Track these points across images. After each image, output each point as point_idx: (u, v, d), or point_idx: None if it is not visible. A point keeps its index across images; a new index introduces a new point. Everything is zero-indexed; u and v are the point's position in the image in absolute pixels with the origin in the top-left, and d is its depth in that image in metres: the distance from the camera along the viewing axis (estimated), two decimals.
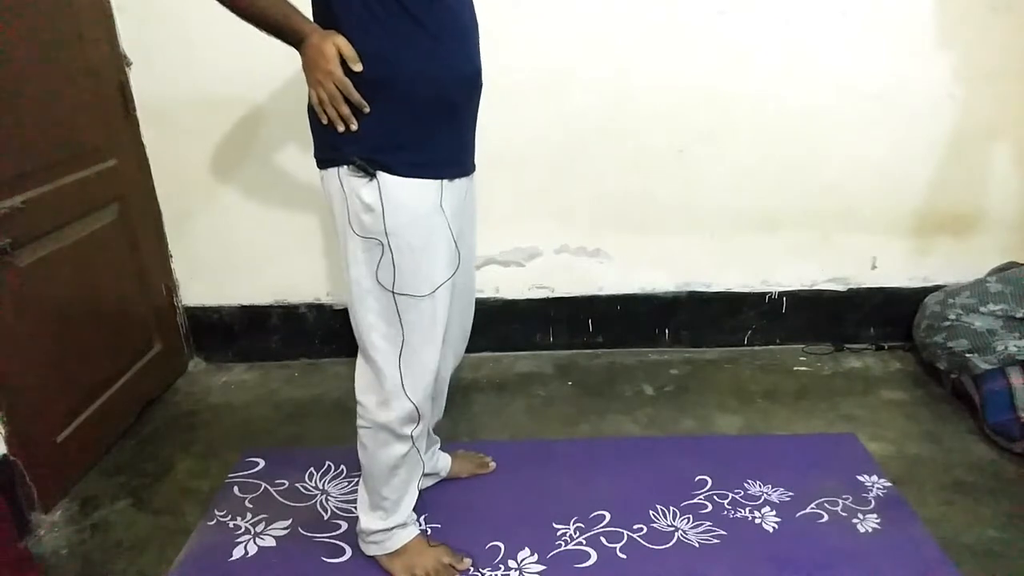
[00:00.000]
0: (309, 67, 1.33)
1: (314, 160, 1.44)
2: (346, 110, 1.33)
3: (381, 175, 1.35)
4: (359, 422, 1.55)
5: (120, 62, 2.26)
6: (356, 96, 1.32)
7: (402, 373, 1.47)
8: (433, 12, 1.32)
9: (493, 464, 2.01)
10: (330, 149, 1.38)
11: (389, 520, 1.63)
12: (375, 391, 1.50)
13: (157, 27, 2.24)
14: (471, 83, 1.43)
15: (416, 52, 1.32)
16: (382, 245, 1.38)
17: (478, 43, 1.44)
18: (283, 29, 1.34)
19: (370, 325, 1.45)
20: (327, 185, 1.42)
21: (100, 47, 2.16)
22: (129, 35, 2.26)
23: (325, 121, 1.35)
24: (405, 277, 1.40)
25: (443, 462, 1.92)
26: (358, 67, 1.31)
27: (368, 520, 1.64)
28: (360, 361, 1.52)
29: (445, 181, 1.42)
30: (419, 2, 1.30)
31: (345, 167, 1.36)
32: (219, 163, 2.40)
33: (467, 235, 1.58)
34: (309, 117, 1.42)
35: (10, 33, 1.81)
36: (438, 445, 1.89)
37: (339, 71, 1.30)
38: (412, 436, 1.54)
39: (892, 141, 2.37)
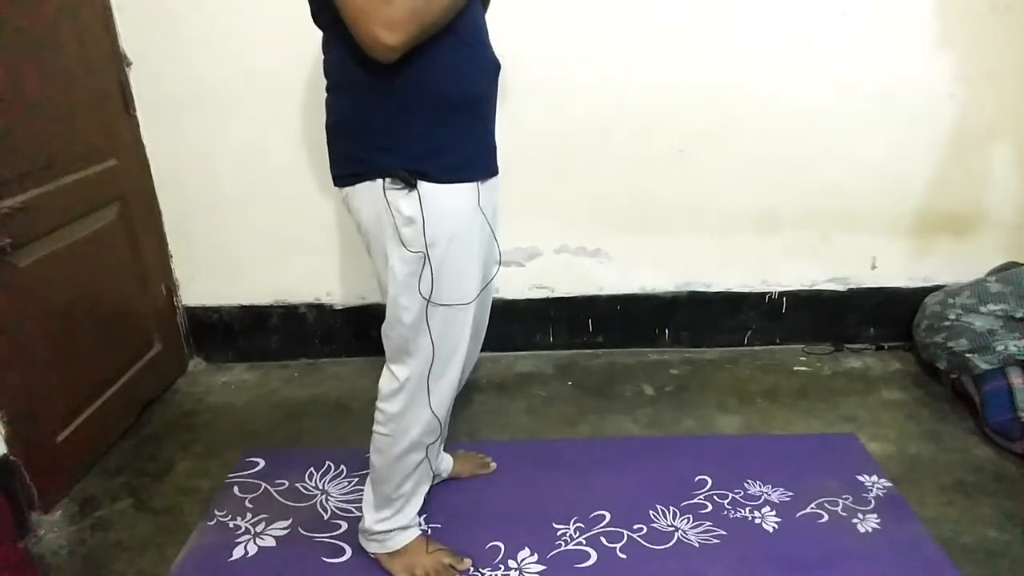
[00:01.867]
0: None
1: (332, 177, 1.42)
2: None
3: (421, 184, 1.32)
4: (378, 428, 1.55)
5: (120, 62, 2.26)
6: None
7: (430, 387, 1.48)
8: (460, 16, 1.29)
9: (494, 464, 2.01)
10: (359, 164, 1.35)
11: (393, 522, 1.63)
12: (400, 401, 1.49)
13: (157, 27, 2.24)
14: (494, 79, 1.42)
15: (446, 55, 1.29)
16: (424, 257, 1.36)
17: (489, 36, 1.44)
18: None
19: (406, 338, 1.44)
20: (357, 201, 1.39)
21: (100, 47, 2.16)
22: (129, 35, 2.25)
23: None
24: (446, 288, 1.40)
25: (444, 462, 1.92)
26: None
27: (372, 520, 1.64)
28: (388, 369, 1.51)
29: (479, 183, 1.41)
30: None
31: (384, 180, 1.33)
32: (219, 163, 2.40)
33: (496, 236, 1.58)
34: (328, 133, 1.39)
35: (10, 33, 1.81)
36: (441, 446, 1.88)
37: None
38: (430, 446, 1.55)
39: (892, 141, 2.37)
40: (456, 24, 1.28)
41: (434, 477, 1.88)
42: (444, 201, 1.35)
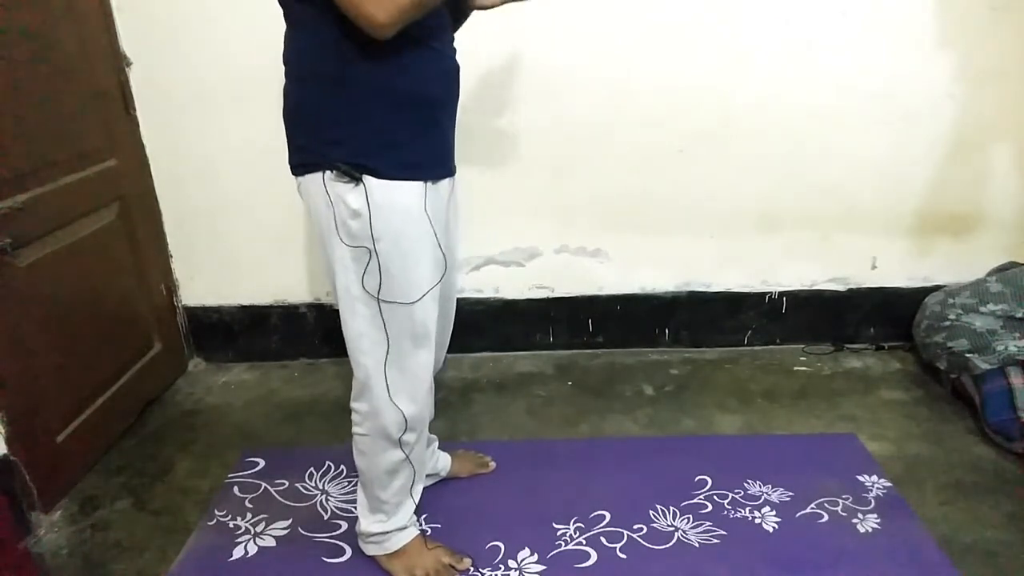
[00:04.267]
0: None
1: (289, 167, 1.42)
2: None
3: (367, 179, 1.32)
4: (354, 429, 1.55)
5: (120, 62, 2.26)
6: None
7: (388, 381, 1.46)
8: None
9: (493, 464, 2.01)
10: (309, 154, 1.36)
11: (388, 524, 1.63)
12: (366, 399, 1.49)
13: (157, 27, 2.24)
14: (453, 83, 1.42)
15: (403, 54, 1.29)
16: (369, 251, 1.36)
17: (454, 39, 1.44)
18: None
19: (359, 333, 1.44)
20: (307, 191, 1.40)
21: (100, 47, 2.16)
22: (129, 35, 2.25)
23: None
24: (392, 284, 1.39)
25: (443, 462, 1.92)
26: None
27: (367, 523, 1.64)
28: (353, 367, 1.50)
29: (429, 184, 1.40)
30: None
31: (329, 172, 1.33)
32: (219, 163, 2.40)
33: (452, 238, 1.57)
34: (285, 122, 1.41)
35: (10, 33, 1.81)
36: (436, 444, 1.88)
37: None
38: (406, 443, 1.53)
39: (892, 141, 2.37)
40: (415, 26, 1.27)
41: (432, 476, 1.89)
42: (390, 196, 1.34)
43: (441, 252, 1.45)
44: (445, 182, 1.48)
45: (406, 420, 1.50)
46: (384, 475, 1.57)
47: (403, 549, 1.66)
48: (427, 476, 1.83)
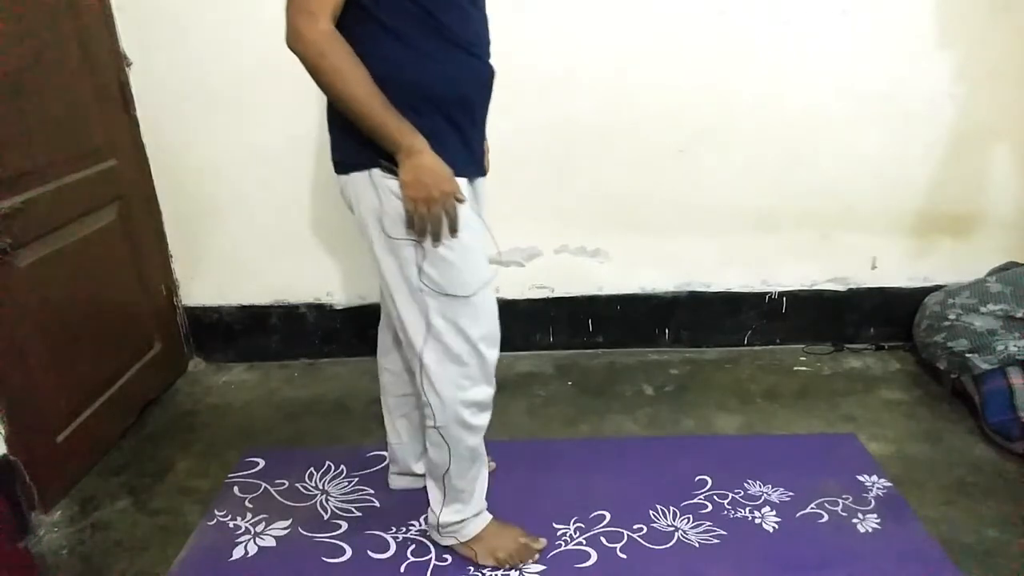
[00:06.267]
0: (420, 184, 1.32)
1: (333, 164, 1.44)
2: (444, 231, 1.37)
3: None
4: (429, 423, 1.56)
5: (120, 62, 2.26)
6: (454, 221, 1.37)
7: (456, 370, 1.49)
8: (461, 23, 1.35)
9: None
10: (355, 153, 1.38)
11: (466, 511, 1.66)
12: (435, 392, 1.51)
13: (157, 27, 2.24)
14: (489, 85, 1.46)
15: (446, 58, 1.34)
16: (419, 245, 1.39)
17: (490, 45, 1.47)
18: (384, 135, 1.31)
19: (425, 327, 1.46)
20: (353, 189, 1.42)
21: (100, 47, 2.16)
22: (129, 35, 2.26)
23: (418, 236, 1.37)
24: (452, 275, 1.41)
25: None
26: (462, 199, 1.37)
27: (445, 514, 1.66)
28: (415, 363, 1.51)
29: (465, 181, 1.43)
30: (452, 17, 1.32)
31: (376, 170, 1.36)
32: (219, 163, 2.40)
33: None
34: (329, 120, 1.42)
35: (10, 33, 1.81)
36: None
37: (453, 199, 1.35)
38: (480, 427, 1.58)
39: (892, 141, 2.37)
40: (458, 31, 1.33)
41: None
42: None
43: (490, 243, 1.49)
44: (479, 181, 1.52)
45: (477, 404, 1.54)
46: (463, 462, 1.59)
47: (482, 534, 1.68)
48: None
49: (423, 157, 1.32)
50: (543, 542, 1.72)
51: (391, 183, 1.36)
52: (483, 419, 1.58)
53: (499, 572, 1.66)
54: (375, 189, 1.38)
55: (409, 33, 1.31)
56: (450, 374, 1.49)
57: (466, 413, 1.53)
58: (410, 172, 1.32)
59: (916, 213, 2.47)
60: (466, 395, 1.52)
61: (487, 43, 1.45)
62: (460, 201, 1.38)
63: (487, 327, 1.50)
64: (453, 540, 1.70)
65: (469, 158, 1.44)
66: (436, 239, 1.37)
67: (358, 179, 1.40)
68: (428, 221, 1.35)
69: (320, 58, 1.24)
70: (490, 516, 1.71)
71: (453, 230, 1.38)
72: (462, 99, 1.39)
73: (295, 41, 1.26)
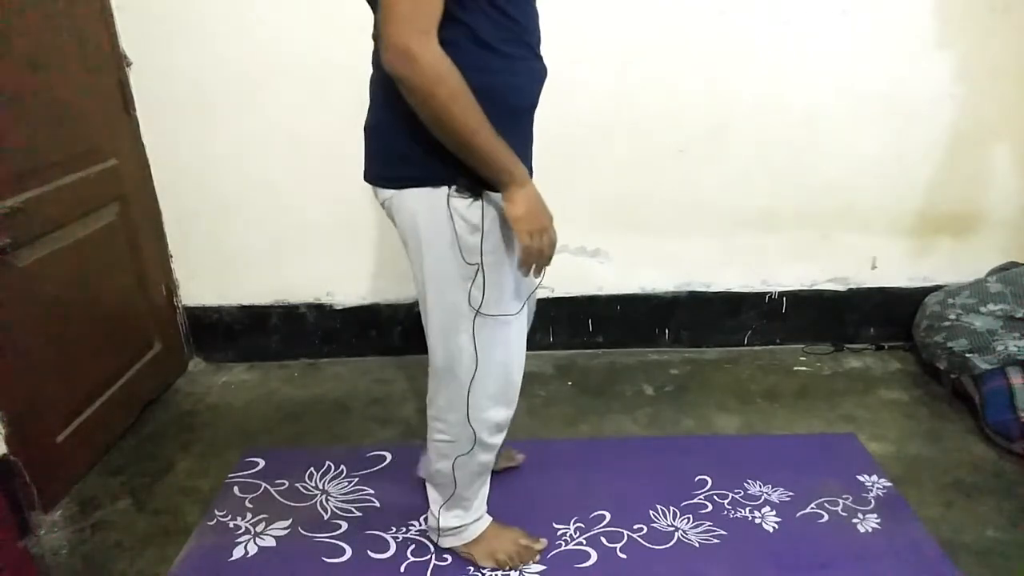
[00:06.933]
0: (533, 216, 1.29)
1: (375, 176, 1.38)
2: (546, 261, 1.36)
3: (487, 193, 1.31)
4: (438, 436, 1.56)
5: (120, 62, 2.26)
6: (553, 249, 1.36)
7: (487, 391, 1.48)
8: (528, 22, 1.29)
9: (521, 456, 2.01)
10: (419, 168, 1.29)
11: (468, 516, 1.66)
12: (459, 409, 1.49)
13: (157, 27, 2.24)
14: (541, 89, 1.42)
15: (524, 67, 1.30)
16: (479, 267, 1.35)
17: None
18: (496, 166, 1.24)
19: (461, 348, 1.43)
20: (408, 205, 1.33)
21: (100, 47, 2.16)
22: (129, 35, 2.25)
23: (526, 268, 1.35)
24: (499, 297, 1.40)
25: None
26: None
27: (445, 518, 1.66)
28: (440, 379, 1.50)
29: None
30: (521, 14, 1.26)
31: (448, 187, 1.29)
32: (219, 163, 2.40)
33: None
34: (382, 130, 1.33)
35: (10, 33, 1.81)
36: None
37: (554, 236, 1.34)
38: (495, 445, 1.58)
39: (892, 141, 2.37)
40: (529, 32, 1.29)
41: None
42: (501, 210, 1.33)
43: None
44: None
45: (498, 425, 1.54)
46: (472, 476, 1.59)
47: (481, 536, 1.68)
48: None
49: (531, 188, 1.28)
50: (543, 543, 1.72)
51: (459, 204, 1.30)
52: (499, 439, 1.58)
53: (499, 573, 1.67)
54: (443, 209, 1.30)
55: (494, 39, 1.22)
56: (476, 393, 1.48)
57: (484, 433, 1.53)
58: (522, 204, 1.27)
59: (916, 213, 2.47)
60: (486, 415, 1.51)
61: (541, 39, 1.41)
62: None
63: (519, 351, 1.50)
64: (453, 541, 1.70)
65: (527, 164, 1.40)
66: (540, 271, 1.37)
67: (416, 195, 1.32)
68: (541, 253, 1.33)
69: (438, 85, 1.13)
70: (490, 519, 1.71)
71: (550, 259, 1.36)
72: (532, 106, 1.37)
73: (406, 63, 1.11)
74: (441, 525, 1.67)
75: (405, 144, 1.28)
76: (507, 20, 1.23)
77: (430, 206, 1.31)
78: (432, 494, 1.67)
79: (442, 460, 1.58)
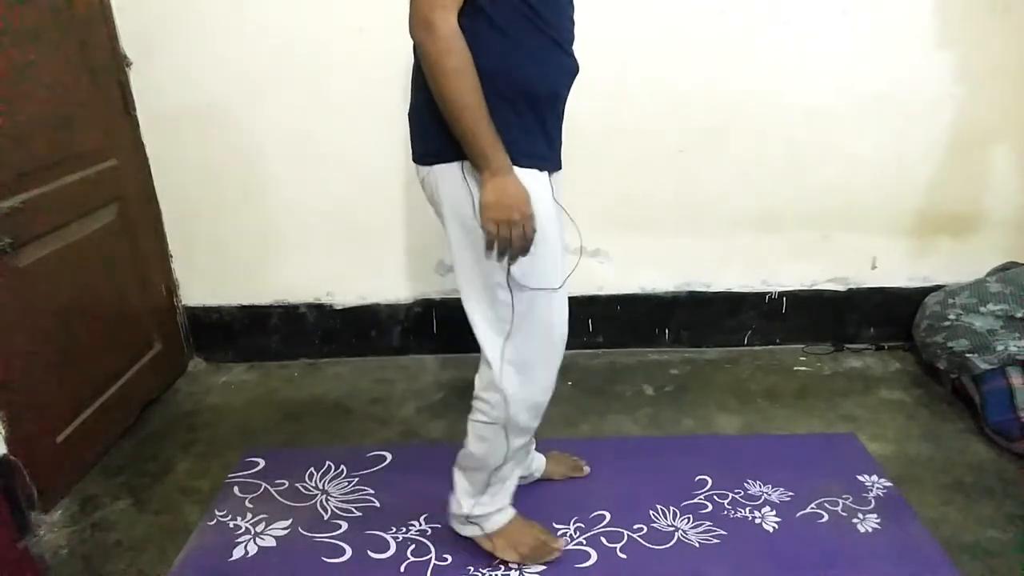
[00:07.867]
0: (501, 206, 1.31)
1: (414, 154, 1.44)
2: (517, 252, 1.36)
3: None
4: (479, 417, 1.56)
5: (120, 62, 2.26)
6: (531, 243, 1.36)
7: (524, 369, 1.48)
8: (558, 19, 1.37)
9: (587, 468, 1.99)
10: (444, 145, 1.35)
11: (492, 505, 1.65)
12: (497, 388, 1.49)
13: (157, 27, 2.24)
14: (572, 79, 1.46)
15: (546, 57, 1.36)
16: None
17: (574, 39, 1.47)
18: (477, 147, 1.30)
19: (496, 319, 1.45)
20: (441, 181, 1.40)
21: (100, 47, 2.16)
22: (129, 35, 2.26)
23: (493, 257, 1.37)
24: (536, 269, 1.41)
25: (537, 462, 1.91)
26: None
27: (468, 505, 1.65)
28: (498, 360, 1.49)
29: (546, 174, 1.44)
30: (551, 12, 1.34)
31: (467, 162, 1.34)
32: (219, 163, 2.40)
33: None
34: (418, 114, 1.41)
35: (10, 33, 1.81)
36: (533, 444, 1.87)
37: (533, 223, 1.34)
38: (531, 429, 1.57)
39: (892, 141, 2.37)
40: (556, 27, 1.36)
41: (527, 477, 1.87)
42: (526, 183, 1.35)
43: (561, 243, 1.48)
44: (557, 175, 1.51)
45: (537, 407, 1.54)
46: (503, 460, 1.58)
47: (505, 528, 1.68)
48: (521, 477, 1.79)
49: (507, 179, 1.32)
50: (562, 541, 1.71)
51: (473, 178, 1.36)
52: (536, 422, 1.58)
53: (499, 572, 1.66)
54: (464, 182, 1.37)
55: (515, 30, 1.30)
56: (523, 374, 1.48)
57: (526, 416, 1.53)
58: (492, 193, 1.31)
59: (916, 213, 2.47)
60: (530, 396, 1.51)
61: (574, 38, 1.45)
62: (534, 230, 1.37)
63: (563, 325, 1.50)
64: (474, 531, 1.69)
65: (551, 153, 1.45)
66: (513, 260, 1.37)
67: (444, 171, 1.38)
68: (507, 243, 1.34)
69: (446, 56, 1.24)
70: (514, 511, 1.70)
71: (526, 251, 1.36)
72: (554, 96, 1.41)
73: (424, 31, 1.24)
74: (467, 513, 1.66)
75: (432, 123, 1.36)
76: (531, 12, 1.31)
77: (452, 179, 1.38)
78: (460, 482, 1.66)
79: (476, 441, 1.58)
